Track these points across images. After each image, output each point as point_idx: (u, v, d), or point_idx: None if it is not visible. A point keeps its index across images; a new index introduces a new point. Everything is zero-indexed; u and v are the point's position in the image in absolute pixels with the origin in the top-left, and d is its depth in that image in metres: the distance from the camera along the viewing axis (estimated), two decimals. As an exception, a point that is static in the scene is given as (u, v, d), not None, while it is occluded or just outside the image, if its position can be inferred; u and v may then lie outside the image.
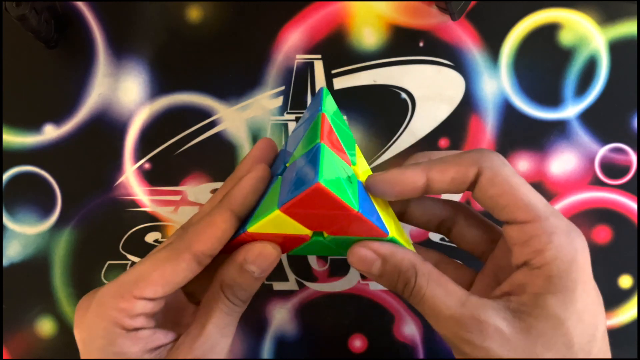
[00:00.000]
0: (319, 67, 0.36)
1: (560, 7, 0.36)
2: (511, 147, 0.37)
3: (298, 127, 0.29)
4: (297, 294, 0.37)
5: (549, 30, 0.36)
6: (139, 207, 0.36)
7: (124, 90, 0.36)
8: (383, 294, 0.37)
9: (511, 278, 0.24)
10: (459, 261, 0.29)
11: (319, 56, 0.36)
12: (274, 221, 0.23)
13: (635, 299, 0.37)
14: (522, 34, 0.36)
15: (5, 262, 0.37)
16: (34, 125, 0.36)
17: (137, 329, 0.24)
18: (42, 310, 0.37)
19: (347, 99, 0.36)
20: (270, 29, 0.36)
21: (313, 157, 0.23)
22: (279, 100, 0.36)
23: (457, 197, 0.36)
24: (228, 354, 0.26)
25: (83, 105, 0.36)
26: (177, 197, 0.36)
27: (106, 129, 0.36)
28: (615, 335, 0.37)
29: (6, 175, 0.36)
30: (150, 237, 0.37)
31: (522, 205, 0.23)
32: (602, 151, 0.37)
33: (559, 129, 0.37)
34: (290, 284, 0.37)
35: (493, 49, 0.36)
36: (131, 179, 0.36)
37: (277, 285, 0.37)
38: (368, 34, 0.36)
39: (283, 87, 0.36)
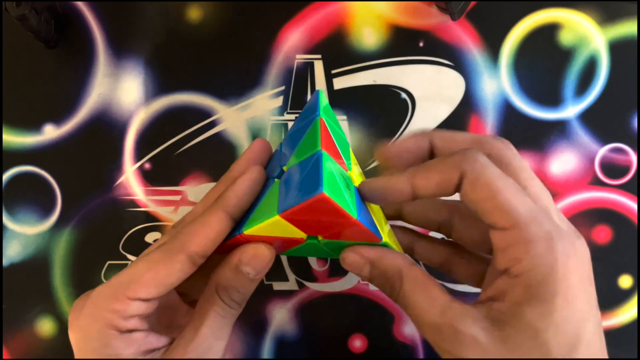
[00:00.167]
0: (319, 67, 0.36)
1: (560, 7, 0.36)
2: (511, 147, 0.37)
3: (293, 129, 0.29)
4: (297, 294, 0.37)
5: (549, 30, 0.36)
6: (139, 207, 0.36)
7: (124, 90, 0.36)
8: (383, 294, 0.37)
9: (495, 283, 0.23)
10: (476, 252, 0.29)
11: (319, 56, 0.36)
12: (272, 225, 0.23)
13: (635, 299, 0.37)
14: (522, 34, 0.36)
15: (5, 262, 0.37)
16: (34, 125, 0.36)
17: (131, 331, 0.24)
18: (42, 310, 0.37)
19: (347, 99, 0.36)
20: (270, 29, 0.36)
21: (314, 166, 0.23)
22: (279, 100, 0.36)
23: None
24: (223, 356, 0.26)
25: (83, 105, 0.36)
26: (177, 197, 0.37)
27: (106, 129, 0.36)
28: (615, 335, 0.37)
29: (6, 175, 0.36)
30: (150, 237, 0.37)
31: (502, 211, 0.23)
32: (602, 151, 0.37)
33: (559, 129, 0.37)
34: (290, 284, 0.37)
35: (493, 49, 0.36)
36: (131, 179, 0.36)
37: (277, 285, 0.37)
38: (368, 34, 0.36)
39: (283, 87, 0.36)
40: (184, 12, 0.36)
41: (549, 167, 0.37)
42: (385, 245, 0.25)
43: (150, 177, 0.36)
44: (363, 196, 0.25)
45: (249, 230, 0.24)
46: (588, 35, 0.36)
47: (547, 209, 0.24)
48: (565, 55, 0.36)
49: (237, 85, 0.36)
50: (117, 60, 0.36)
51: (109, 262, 0.37)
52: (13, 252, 0.37)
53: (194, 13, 0.36)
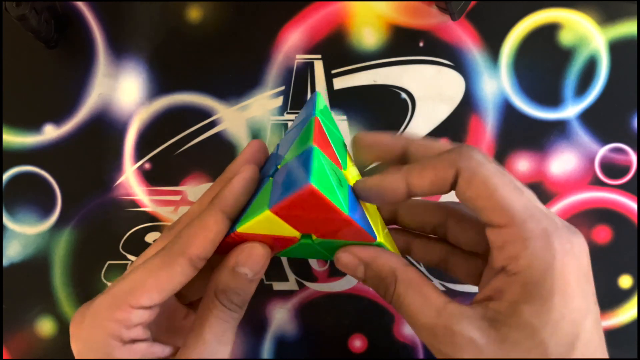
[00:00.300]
0: (319, 67, 0.36)
1: (560, 7, 0.36)
2: (511, 147, 0.37)
3: (290, 131, 0.29)
4: (297, 294, 0.37)
5: (549, 30, 0.36)
6: (139, 207, 0.36)
7: (124, 90, 0.36)
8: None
9: (492, 282, 0.23)
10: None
11: (319, 56, 0.36)
12: (264, 222, 0.23)
13: (635, 299, 0.37)
14: (522, 34, 0.36)
15: (5, 262, 0.37)
16: (34, 125, 0.36)
17: (134, 341, 0.24)
18: (42, 310, 0.37)
19: (347, 99, 0.36)
20: (270, 29, 0.36)
21: (305, 160, 0.23)
22: (279, 100, 0.36)
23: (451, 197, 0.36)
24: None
25: (83, 105, 0.36)
26: (177, 197, 0.37)
27: (106, 129, 0.36)
28: (615, 335, 0.37)
29: (6, 175, 0.36)
30: (150, 237, 0.37)
31: (498, 208, 0.22)
32: (602, 151, 0.37)
33: (559, 129, 0.37)
34: (290, 284, 0.37)
35: (493, 49, 0.36)
36: (131, 179, 0.36)
37: (277, 285, 0.37)
38: (368, 34, 0.36)
39: (283, 87, 0.36)
40: (184, 12, 0.36)
41: (549, 167, 0.37)
42: (380, 246, 0.25)
43: (150, 177, 0.36)
44: (358, 195, 0.25)
45: (242, 228, 0.24)
46: (588, 35, 0.36)
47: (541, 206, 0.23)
48: (565, 55, 0.36)
49: (237, 85, 0.36)
50: (117, 60, 0.36)
51: (109, 262, 0.37)
52: (13, 252, 0.37)
53: (194, 13, 0.36)
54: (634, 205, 0.37)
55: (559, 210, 0.37)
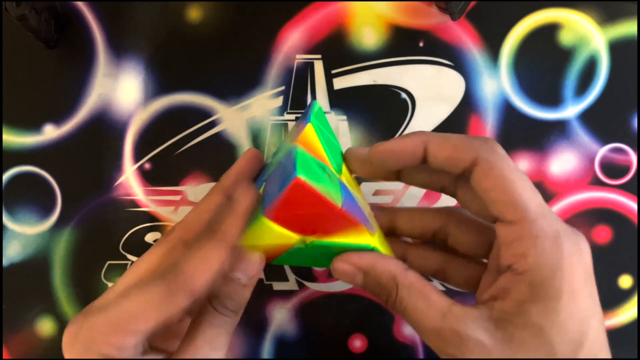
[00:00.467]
0: (319, 67, 0.36)
1: (560, 7, 0.36)
2: (511, 147, 0.37)
3: (284, 141, 0.29)
4: (297, 294, 0.37)
5: (549, 30, 0.36)
6: (139, 207, 0.36)
7: (124, 90, 0.36)
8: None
9: (498, 281, 0.23)
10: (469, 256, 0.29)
11: (319, 56, 0.36)
12: (261, 231, 0.23)
13: (635, 299, 0.37)
14: (522, 34, 0.36)
15: (5, 262, 0.37)
16: (34, 125, 0.36)
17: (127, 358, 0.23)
18: (42, 310, 0.37)
19: (347, 99, 0.36)
20: (270, 29, 0.36)
21: (289, 158, 0.23)
22: (279, 100, 0.36)
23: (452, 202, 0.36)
24: None
25: (83, 105, 0.36)
26: (177, 197, 0.37)
27: (106, 129, 0.36)
28: (615, 335, 0.37)
29: (6, 175, 0.36)
30: (150, 237, 0.37)
31: (511, 204, 0.22)
32: (602, 151, 0.37)
33: (559, 129, 0.37)
34: (290, 284, 0.37)
35: (493, 49, 0.36)
36: (131, 179, 0.36)
37: (277, 285, 0.37)
38: (368, 34, 0.36)
39: (283, 87, 0.36)
40: (184, 12, 0.36)
41: (549, 167, 0.37)
42: (375, 251, 0.25)
43: (150, 177, 0.36)
44: (373, 158, 0.25)
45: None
46: (588, 35, 0.36)
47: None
48: (565, 55, 0.36)
49: (237, 85, 0.36)
50: (117, 60, 0.36)
51: (109, 262, 0.37)
52: (13, 252, 0.37)
53: (194, 13, 0.36)
54: (634, 205, 0.37)
55: (559, 210, 0.37)
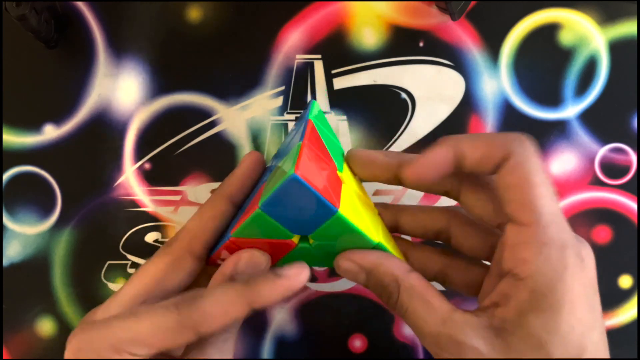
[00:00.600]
0: (319, 67, 0.36)
1: (560, 7, 0.36)
2: (511, 147, 0.36)
3: (285, 141, 0.29)
4: (297, 294, 0.37)
5: (549, 30, 0.36)
6: (139, 207, 0.36)
7: (123, 90, 0.36)
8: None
9: (499, 286, 0.23)
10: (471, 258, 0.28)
11: (319, 56, 0.36)
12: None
13: (635, 299, 0.37)
14: (522, 34, 0.36)
15: (5, 262, 0.37)
16: (34, 125, 0.36)
17: None
18: (42, 310, 0.37)
19: (347, 99, 0.36)
20: (270, 29, 0.36)
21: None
22: (279, 100, 0.36)
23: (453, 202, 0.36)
24: None
25: (83, 105, 0.36)
26: (177, 197, 0.37)
27: (106, 129, 0.36)
28: (615, 335, 0.37)
29: (6, 175, 0.36)
30: (150, 237, 0.37)
31: (525, 205, 0.22)
32: (602, 151, 0.37)
33: (559, 129, 0.37)
34: (290, 284, 0.37)
35: (493, 49, 0.36)
36: (131, 179, 0.36)
37: (277, 285, 0.37)
38: (368, 34, 0.36)
39: (283, 87, 0.36)
40: (184, 12, 0.36)
41: (549, 167, 0.37)
42: (380, 247, 0.25)
43: (150, 177, 0.36)
44: (405, 182, 0.25)
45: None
46: (588, 35, 0.36)
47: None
48: (565, 55, 0.36)
49: (237, 85, 0.36)
50: (117, 60, 0.36)
51: (109, 262, 0.37)
52: (13, 252, 0.37)
53: (194, 13, 0.36)
54: (634, 205, 0.37)
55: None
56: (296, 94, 0.36)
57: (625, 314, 0.37)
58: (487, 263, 0.27)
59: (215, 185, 0.36)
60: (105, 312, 0.25)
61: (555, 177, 0.37)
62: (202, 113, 0.36)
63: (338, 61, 0.36)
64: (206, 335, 0.23)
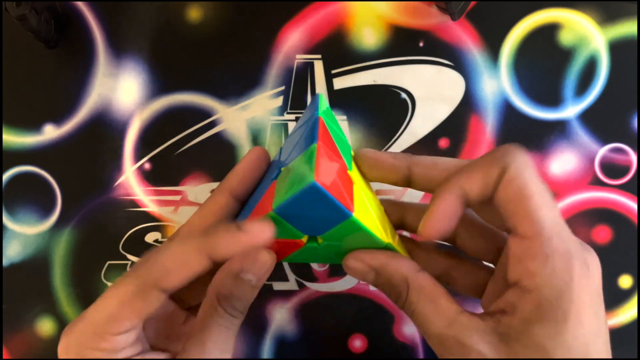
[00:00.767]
0: (319, 67, 0.36)
1: (560, 7, 0.36)
2: (511, 147, 0.36)
3: (291, 135, 0.29)
4: (297, 294, 0.37)
5: (549, 30, 0.36)
6: (139, 207, 0.36)
7: (124, 90, 0.36)
8: (383, 293, 0.37)
9: (505, 295, 0.23)
10: (476, 260, 0.28)
11: (319, 56, 0.36)
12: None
13: (635, 299, 0.37)
14: (522, 34, 0.36)
15: (5, 262, 0.37)
16: (34, 125, 0.36)
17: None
18: (42, 310, 0.37)
19: (347, 99, 0.36)
20: (270, 29, 0.36)
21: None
22: (279, 100, 0.36)
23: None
24: None
25: (83, 105, 0.36)
26: (177, 197, 0.37)
27: (106, 129, 0.36)
28: (615, 335, 0.37)
29: (6, 175, 0.36)
30: (150, 237, 0.37)
31: (528, 218, 0.22)
32: (602, 151, 0.37)
33: (559, 129, 0.37)
34: (290, 284, 0.37)
35: (493, 49, 0.36)
36: (131, 179, 0.36)
37: (277, 285, 0.37)
38: (368, 34, 0.36)
39: (283, 87, 0.36)
40: (184, 12, 0.36)
41: (549, 167, 0.37)
42: (388, 248, 0.25)
43: (150, 177, 0.36)
44: (427, 236, 0.24)
45: None
46: (588, 35, 0.36)
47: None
48: (565, 55, 0.36)
49: (237, 85, 0.36)
50: (117, 60, 0.36)
51: (109, 262, 0.37)
52: (13, 252, 0.37)
53: (194, 13, 0.36)
54: (634, 205, 0.37)
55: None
56: (296, 94, 0.36)
57: (625, 314, 0.37)
58: (492, 266, 0.27)
59: (215, 185, 0.36)
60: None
61: (555, 177, 0.37)
62: (202, 113, 0.36)
63: (338, 61, 0.36)
64: (169, 290, 0.23)
